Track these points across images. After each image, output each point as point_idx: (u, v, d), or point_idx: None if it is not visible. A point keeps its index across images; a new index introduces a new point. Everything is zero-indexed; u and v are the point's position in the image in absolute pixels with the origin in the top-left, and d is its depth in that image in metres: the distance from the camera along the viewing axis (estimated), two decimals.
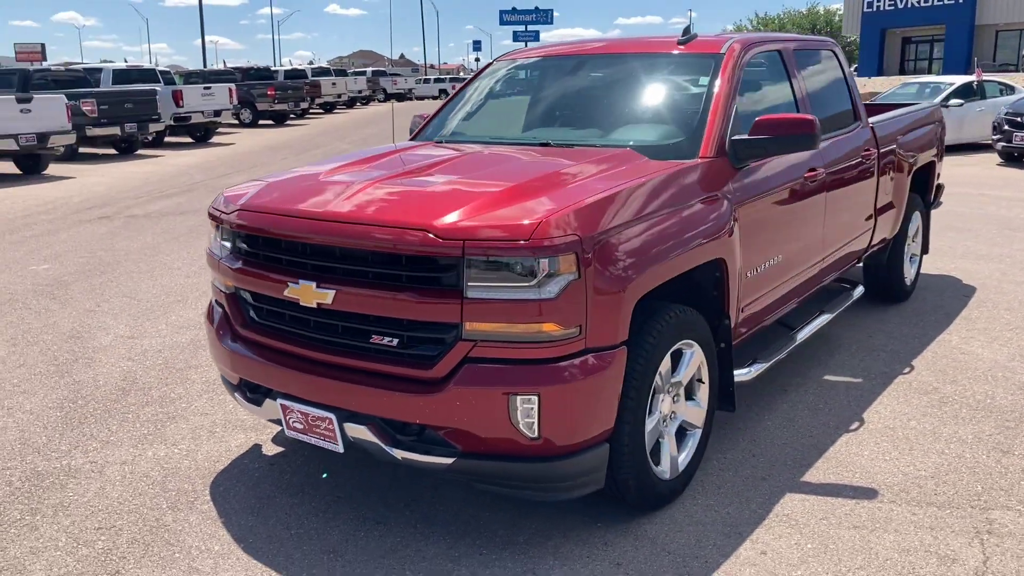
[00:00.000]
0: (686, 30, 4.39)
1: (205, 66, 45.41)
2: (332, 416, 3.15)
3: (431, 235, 2.91)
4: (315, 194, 3.41)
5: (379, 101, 44.63)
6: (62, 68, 22.53)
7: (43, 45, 56.24)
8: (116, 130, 18.18)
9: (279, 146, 21.20)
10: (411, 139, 4.78)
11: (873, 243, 5.66)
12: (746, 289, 3.92)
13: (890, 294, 6.29)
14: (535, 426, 2.91)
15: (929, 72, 36.59)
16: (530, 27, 48.01)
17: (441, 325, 2.95)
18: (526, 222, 2.88)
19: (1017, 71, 30.77)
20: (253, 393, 3.52)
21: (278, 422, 3.43)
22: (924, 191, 6.63)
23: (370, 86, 42.52)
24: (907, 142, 5.98)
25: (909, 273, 6.44)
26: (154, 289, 7.18)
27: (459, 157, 4.00)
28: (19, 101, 14.79)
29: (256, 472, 3.89)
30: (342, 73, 42.65)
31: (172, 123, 20.56)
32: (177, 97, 20.51)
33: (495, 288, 2.87)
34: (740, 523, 3.37)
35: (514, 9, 47.95)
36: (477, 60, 74.00)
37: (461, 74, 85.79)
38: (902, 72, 39.01)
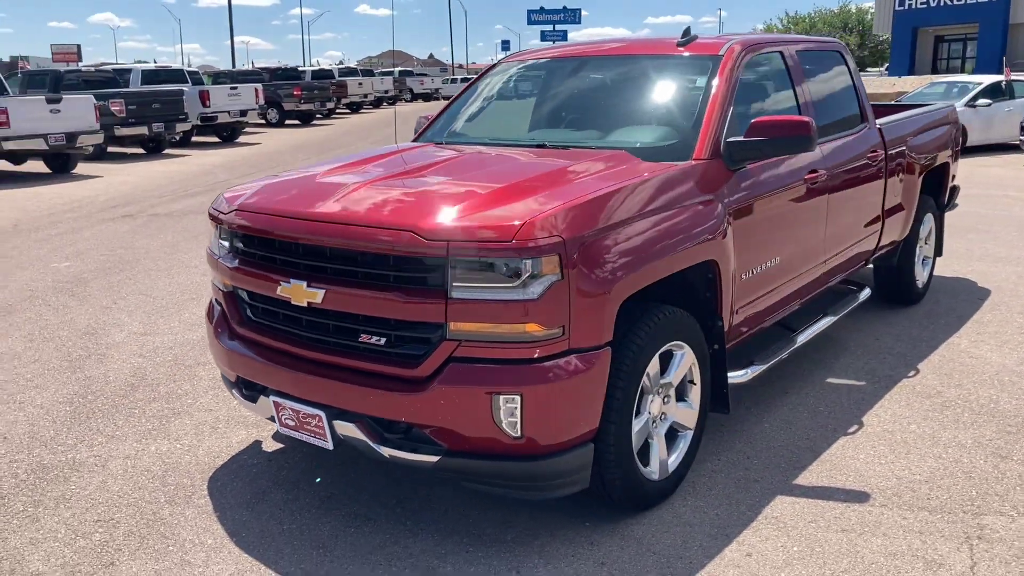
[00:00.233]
0: (686, 31, 4.40)
1: (234, 66, 45.93)
2: (322, 414, 3.21)
3: (417, 236, 2.95)
4: (309, 195, 3.47)
5: (406, 101, 44.86)
6: (92, 69, 22.90)
7: (79, 46, 57.27)
8: (144, 130, 18.48)
9: (303, 146, 21.40)
10: (414, 140, 4.83)
11: (881, 245, 5.62)
12: (741, 291, 3.92)
13: (901, 297, 6.24)
14: (518, 425, 2.94)
15: (962, 71, 36.00)
16: (558, 27, 48.00)
17: (426, 325, 3.00)
18: (509, 223, 2.91)
19: None
20: (249, 390, 3.59)
21: (272, 419, 3.49)
22: (937, 193, 6.55)
23: (397, 86, 42.75)
24: (918, 143, 5.92)
25: (921, 276, 6.37)
26: (170, 287, 7.30)
27: (453, 159, 4.04)
28: (49, 102, 15.09)
29: (254, 468, 3.95)
30: (369, 73, 42.93)
31: (199, 123, 20.82)
32: (204, 97, 20.77)
33: (479, 289, 2.90)
34: (728, 525, 3.38)
35: (542, 9, 47.97)
36: None
37: None
38: (934, 71, 38.45)
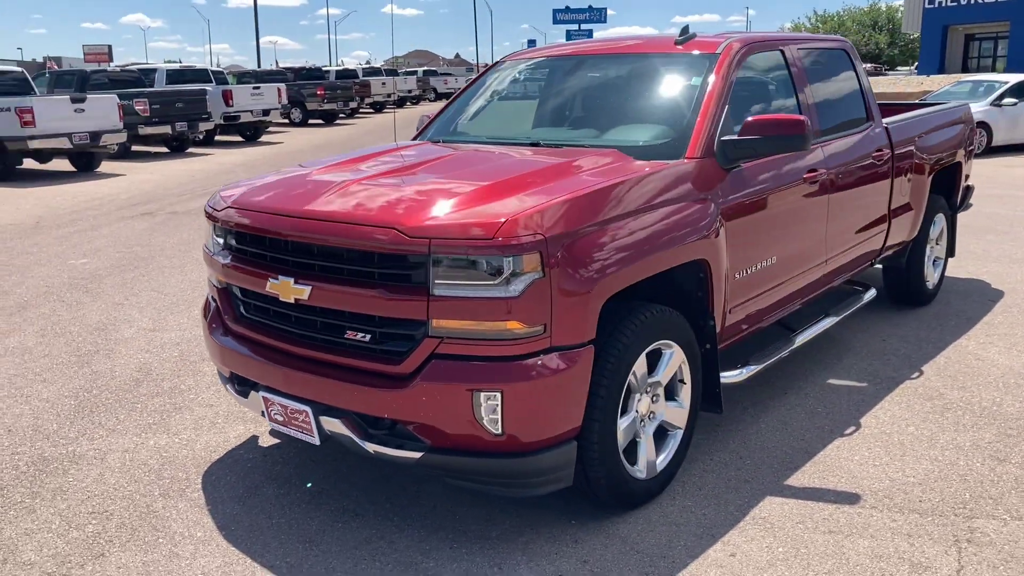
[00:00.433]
0: (684, 30, 4.38)
1: (259, 66, 46.38)
2: (308, 409, 3.24)
3: (399, 233, 2.97)
4: (298, 192, 3.50)
5: (429, 100, 44.97)
6: (117, 69, 23.21)
7: (110, 47, 58.14)
8: (167, 129, 18.70)
9: (325, 145, 21.54)
10: (413, 139, 4.86)
11: (888, 245, 5.56)
12: (736, 291, 3.89)
13: (911, 298, 6.16)
14: (499, 423, 2.95)
15: (992, 70, 35.47)
16: (583, 26, 47.83)
17: (409, 322, 3.01)
18: (491, 221, 2.92)
19: None
20: (241, 385, 3.63)
21: (263, 414, 3.53)
22: (950, 193, 6.47)
23: (420, 86, 42.89)
24: (928, 143, 5.84)
25: (932, 277, 6.29)
26: (182, 284, 7.39)
27: (445, 157, 4.06)
28: (73, 101, 15.32)
29: (249, 462, 4.00)
30: (393, 73, 43.12)
31: (222, 122, 21.05)
32: (227, 97, 20.99)
33: (460, 286, 2.92)
34: (715, 525, 3.36)
35: (567, 8, 47.83)
36: None
37: None
38: (964, 70, 37.87)
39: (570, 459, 3.11)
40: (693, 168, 3.68)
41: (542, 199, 3.09)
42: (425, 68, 56.66)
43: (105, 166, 16.76)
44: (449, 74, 57.73)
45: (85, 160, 16.23)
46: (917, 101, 9.88)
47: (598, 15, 48.21)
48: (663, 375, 3.49)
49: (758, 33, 4.67)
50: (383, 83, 36.44)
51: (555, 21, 48.19)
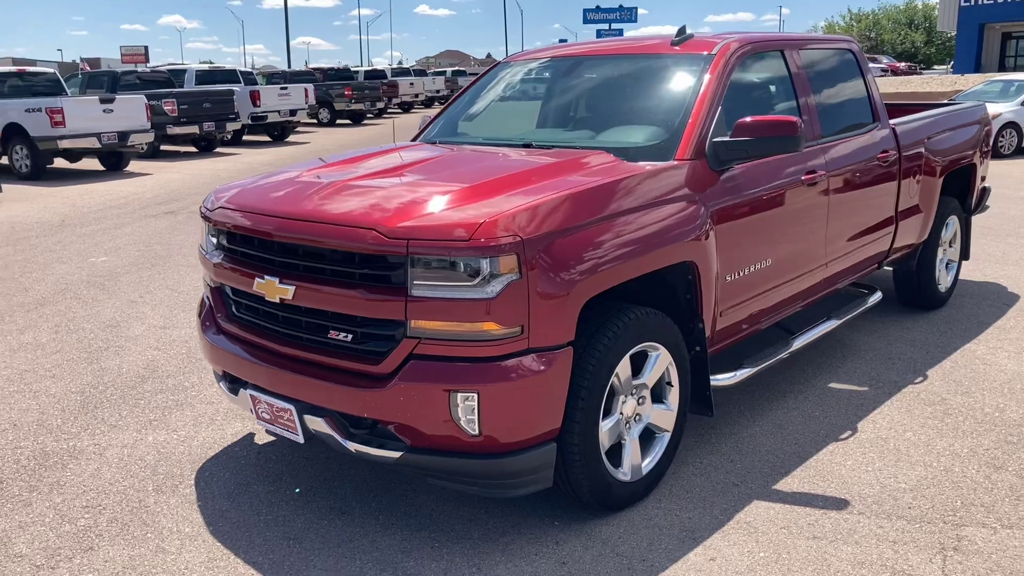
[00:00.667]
0: (680, 30, 4.35)
1: (290, 67, 46.83)
2: (293, 408, 3.27)
3: (379, 234, 3.00)
4: (287, 193, 3.54)
5: None
6: (148, 70, 23.56)
7: (146, 48, 58.96)
8: (195, 129, 18.94)
9: (350, 144, 21.69)
10: (413, 139, 4.88)
11: (896, 248, 5.48)
12: (727, 293, 3.87)
13: (921, 301, 6.07)
14: (476, 423, 2.96)
15: None
16: (614, 25, 47.59)
17: (389, 322, 3.04)
18: (468, 223, 2.94)
19: None
20: (232, 383, 3.68)
21: (251, 411, 3.57)
22: (963, 195, 6.36)
23: (448, 86, 42.93)
24: (939, 144, 5.75)
25: (944, 280, 6.19)
26: (196, 282, 7.49)
27: (436, 158, 4.08)
28: (102, 102, 15.58)
29: (242, 459, 4.05)
30: (421, 73, 43.27)
31: (249, 122, 21.27)
32: (254, 97, 21.21)
33: (438, 287, 2.94)
34: (698, 529, 3.34)
35: (598, 7, 47.63)
36: None
37: None
38: (1002, 69, 37.16)
39: (549, 460, 3.12)
40: (683, 169, 3.66)
41: (522, 201, 3.09)
42: (454, 68, 56.75)
43: (133, 165, 17.03)
44: (476, 74, 57.83)
45: (114, 160, 16.51)
46: (946, 101, 9.72)
47: (629, 14, 47.94)
48: (649, 377, 3.48)
49: (758, 33, 4.62)
50: (411, 83, 36.59)
51: (585, 21, 48.01)
